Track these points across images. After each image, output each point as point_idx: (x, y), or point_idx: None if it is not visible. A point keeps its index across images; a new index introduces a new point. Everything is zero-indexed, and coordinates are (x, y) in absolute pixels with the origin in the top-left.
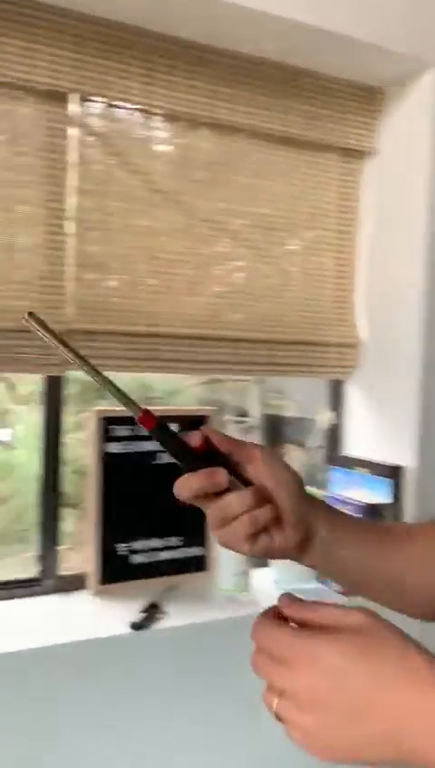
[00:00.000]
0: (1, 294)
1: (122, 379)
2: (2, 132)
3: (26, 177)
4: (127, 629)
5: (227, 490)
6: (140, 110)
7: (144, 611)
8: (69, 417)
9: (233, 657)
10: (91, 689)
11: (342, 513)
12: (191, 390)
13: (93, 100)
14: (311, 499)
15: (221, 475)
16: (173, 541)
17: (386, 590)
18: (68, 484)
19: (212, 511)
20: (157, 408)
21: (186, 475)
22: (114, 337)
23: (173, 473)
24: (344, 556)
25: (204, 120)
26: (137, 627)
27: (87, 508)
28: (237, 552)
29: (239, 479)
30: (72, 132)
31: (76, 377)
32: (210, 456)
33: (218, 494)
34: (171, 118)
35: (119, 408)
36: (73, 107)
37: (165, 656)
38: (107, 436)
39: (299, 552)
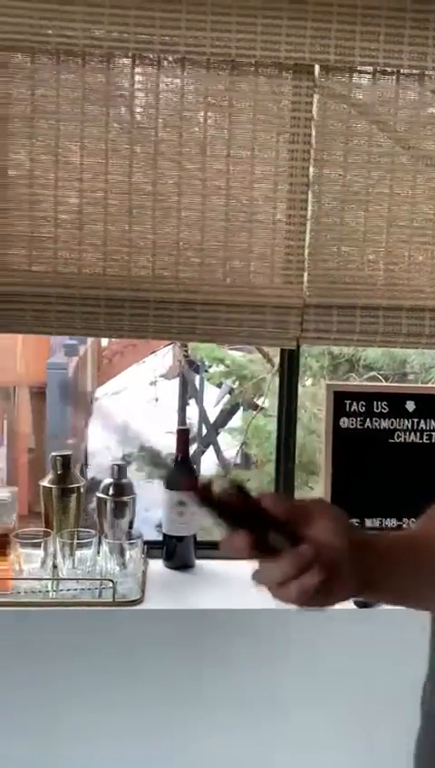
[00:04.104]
0: (242, 271)
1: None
2: (244, 111)
3: (267, 153)
4: (351, 605)
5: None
6: (384, 72)
7: None
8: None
9: None
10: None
11: (385, 545)
12: None
13: (337, 68)
14: (362, 542)
15: (239, 542)
16: (407, 523)
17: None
18: (309, 453)
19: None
20: (403, 386)
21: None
22: (352, 311)
23: (411, 452)
24: (398, 588)
25: None
26: (361, 605)
27: (321, 480)
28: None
29: (291, 536)
30: (316, 103)
31: (320, 350)
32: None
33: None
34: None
35: (353, 384)
36: (317, 78)
37: (386, 635)
38: (341, 411)
39: (360, 593)
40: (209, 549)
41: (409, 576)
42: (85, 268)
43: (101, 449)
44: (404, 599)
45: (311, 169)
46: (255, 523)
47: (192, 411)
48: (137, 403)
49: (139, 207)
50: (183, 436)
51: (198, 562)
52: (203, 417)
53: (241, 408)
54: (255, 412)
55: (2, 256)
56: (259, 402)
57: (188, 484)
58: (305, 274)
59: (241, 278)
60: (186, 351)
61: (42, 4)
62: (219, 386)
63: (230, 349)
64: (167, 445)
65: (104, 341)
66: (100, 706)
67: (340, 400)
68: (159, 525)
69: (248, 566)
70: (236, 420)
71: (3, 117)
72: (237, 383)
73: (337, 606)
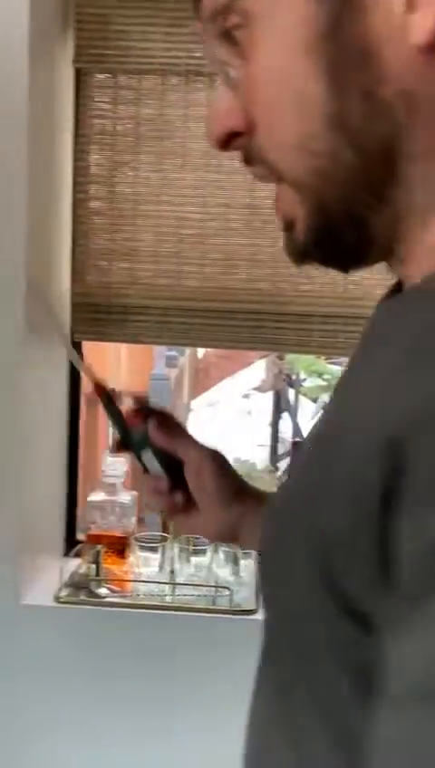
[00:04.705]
0: (363, 283)
1: None
2: None
3: None
4: None
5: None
6: None
7: None
8: None
9: None
10: None
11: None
12: None
13: None
14: (243, 505)
15: (162, 485)
16: None
17: None
18: None
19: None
20: None
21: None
22: None
23: None
24: None
25: None
26: None
27: None
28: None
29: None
30: None
31: None
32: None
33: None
34: None
35: None
36: None
37: None
38: None
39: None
40: None
41: None
42: (206, 282)
43: None
44: None
45: None
46: (136, 438)
47: (285, 425)
48: (230, 416)
49: (260, 222)
50: (297, 449)
51: None
52: (297, 431)
53: None
54: None
55: (131, 271)
56: None
57: (97, 388)
58: None
59: (360, 290)
60: (283, 364)
61: (172, 28)
62: (315, 400)
63: (328, 362)
64: (259, 457)
65: (199, 353)
66: (214, 710)
67: None
68: None
69: None
70: None
71: (134, 136)
72: None
73: None
